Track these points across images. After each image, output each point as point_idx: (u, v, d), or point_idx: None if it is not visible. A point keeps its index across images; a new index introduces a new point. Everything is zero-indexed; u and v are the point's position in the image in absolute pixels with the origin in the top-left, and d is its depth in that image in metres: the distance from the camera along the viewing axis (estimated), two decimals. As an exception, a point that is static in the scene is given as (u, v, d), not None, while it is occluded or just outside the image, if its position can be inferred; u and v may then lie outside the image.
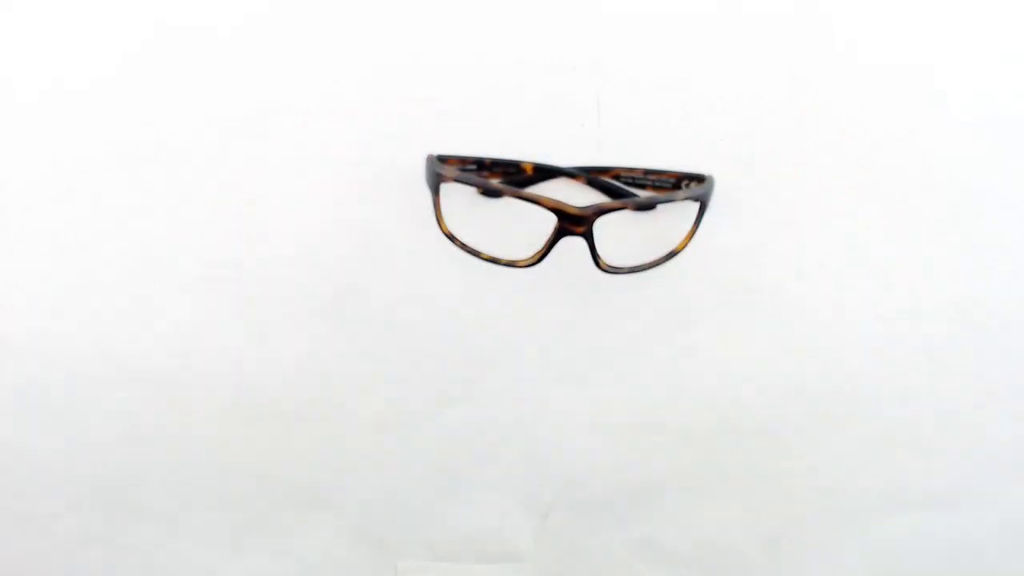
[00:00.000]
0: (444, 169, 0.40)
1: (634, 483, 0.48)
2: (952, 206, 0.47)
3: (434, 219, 0.41)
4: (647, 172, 0.45)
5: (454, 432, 0.47)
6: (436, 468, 0.47)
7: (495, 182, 0.39)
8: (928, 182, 0.46)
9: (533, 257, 0.40)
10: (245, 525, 0.46)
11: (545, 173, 0.45)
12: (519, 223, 0.41)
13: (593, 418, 0.46)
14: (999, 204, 0.47)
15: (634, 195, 0.45)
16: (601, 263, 0.40)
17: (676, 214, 0.43)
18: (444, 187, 0.40)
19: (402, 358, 0.44)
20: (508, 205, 0.38)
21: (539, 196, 0.38)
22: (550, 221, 0.39)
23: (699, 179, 0.44)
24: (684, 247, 0.42)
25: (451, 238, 0.41)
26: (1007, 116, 0.47)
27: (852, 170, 0.46)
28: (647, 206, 0.39)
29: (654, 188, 0.45)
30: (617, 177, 0.45)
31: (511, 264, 0.41)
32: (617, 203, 0.38)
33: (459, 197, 0.44)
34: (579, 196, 0.45)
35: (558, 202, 0.38)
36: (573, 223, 0.38)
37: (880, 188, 0.46)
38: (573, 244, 0.39)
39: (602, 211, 0.38)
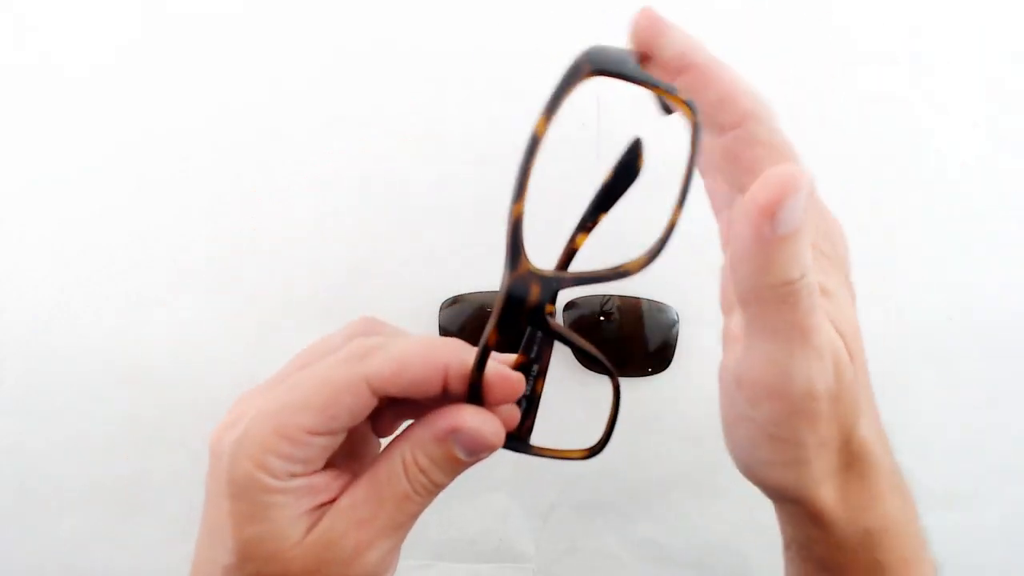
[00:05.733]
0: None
1: (634, 483, 0.48)
2: (954, 206, 0.47)
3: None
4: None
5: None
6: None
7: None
8: (928, 182, 0.46)
9: None
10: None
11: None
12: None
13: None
14: (999, 204, 0.47)
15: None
16: None
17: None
18: None
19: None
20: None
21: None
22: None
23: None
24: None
25: None
26: (1008, 116, 0.47)
27: (852, 170, 0.46)
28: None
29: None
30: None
31: None
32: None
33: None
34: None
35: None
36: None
37: (880, 188, 0.46)
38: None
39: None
